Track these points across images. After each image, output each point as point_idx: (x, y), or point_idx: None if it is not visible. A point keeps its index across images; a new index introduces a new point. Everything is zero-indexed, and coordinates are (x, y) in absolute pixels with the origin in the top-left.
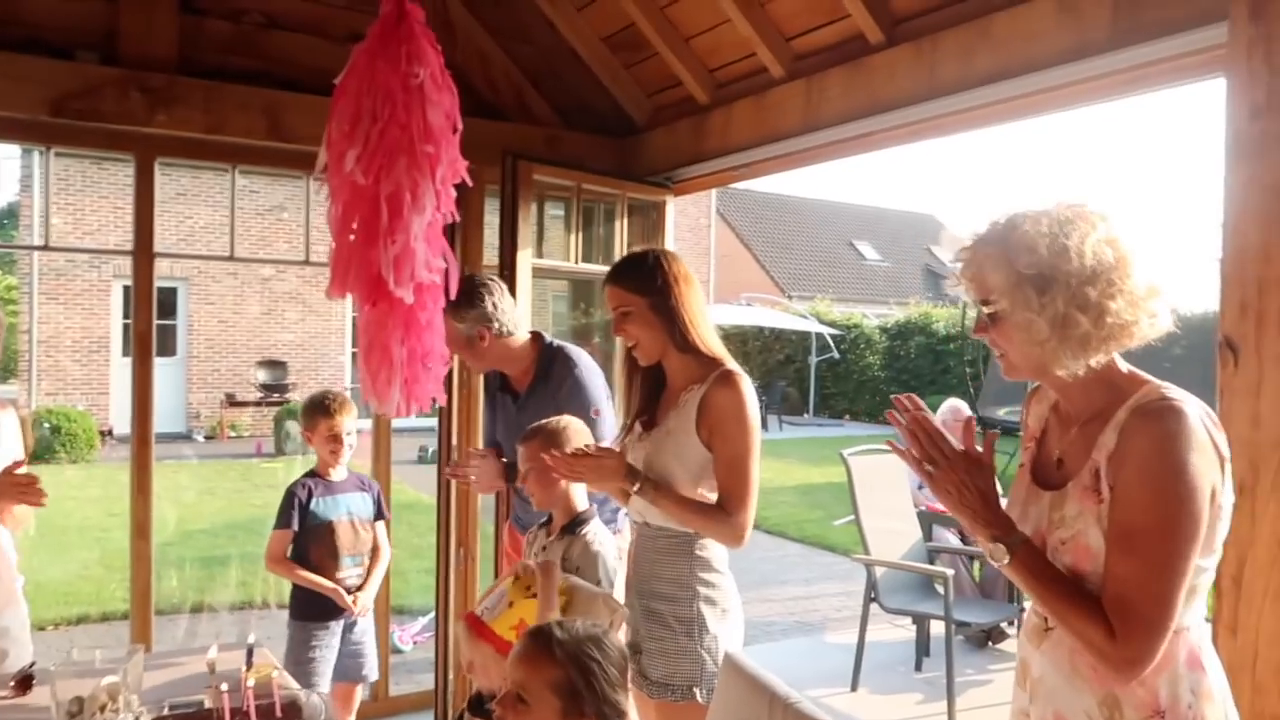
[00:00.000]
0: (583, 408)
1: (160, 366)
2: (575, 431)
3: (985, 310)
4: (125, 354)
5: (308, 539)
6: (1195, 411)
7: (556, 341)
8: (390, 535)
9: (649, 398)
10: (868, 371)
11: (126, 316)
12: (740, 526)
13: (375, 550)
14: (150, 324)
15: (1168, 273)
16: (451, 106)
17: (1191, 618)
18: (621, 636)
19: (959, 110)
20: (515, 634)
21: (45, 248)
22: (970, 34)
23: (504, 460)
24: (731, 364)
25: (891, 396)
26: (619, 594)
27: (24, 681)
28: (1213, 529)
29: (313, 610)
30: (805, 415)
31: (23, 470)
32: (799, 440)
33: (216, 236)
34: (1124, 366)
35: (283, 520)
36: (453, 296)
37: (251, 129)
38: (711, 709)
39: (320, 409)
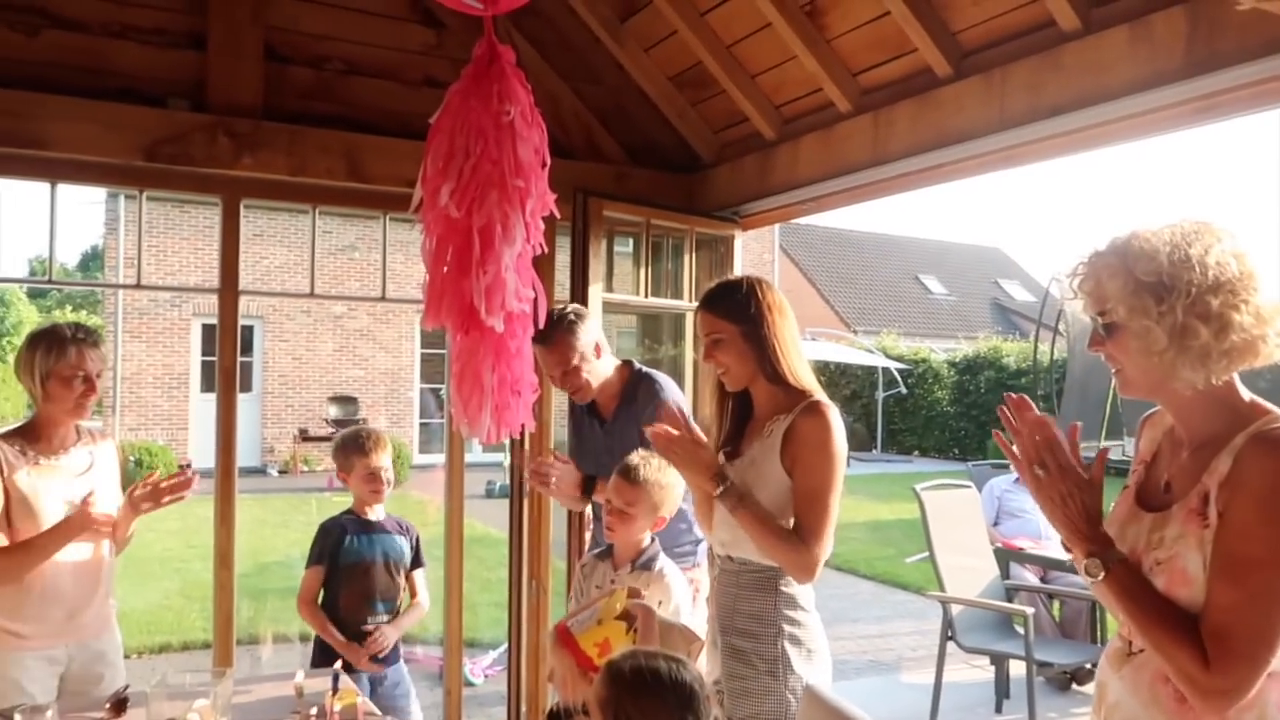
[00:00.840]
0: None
1: (238, 402)
2: (673, 492)
3: (1102, 321)
4: (203, 390)
5: (340, 579)
6: None
7: (644, 368)
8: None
9: (735, 427)
10: (936, 407)
11: (205, 353)
12: (813, 559)
13: (415, 597)
14: (234, 358)
15: None
16: (540, 142)
17: None
18: (703, 668)
19: (1029, 141)
20: (597, 651)
21: (138, 286)
22: (1040, 65)
23: (585, 475)
24: (820, 395)
25: (1005, 395)
26: (691, 622)
27: (119, 704)
28: None
29: (332, 661)
30: (873, 451)
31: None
32: (867, 476)
33: (291, 275)
34: (1246, 394)
35: (314, 557)
36: (540, 325)
37: (331, 170)
38: None
39: (356, 448)
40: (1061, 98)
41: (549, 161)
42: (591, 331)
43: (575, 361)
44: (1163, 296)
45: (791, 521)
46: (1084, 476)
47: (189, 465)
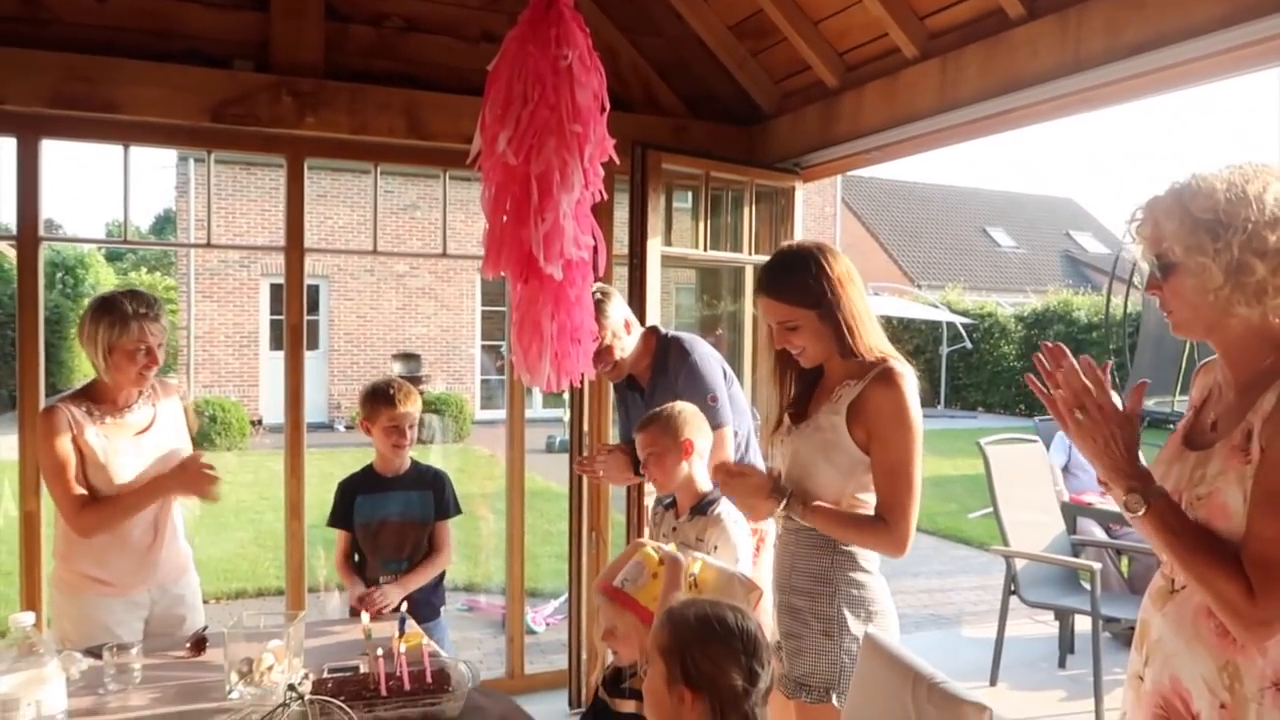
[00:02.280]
0: (699, 394)
1: (306, 360)
2: (689, 417)
3: (1158, 262)
4: (273, 348)
5: (357, 540)
6: None
7: (671, 332)
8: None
9: (802, 389)
10: (1002, 362)
11: (274, 312)
12: (903, 537)
13: (434, 549)
14: (301, 316)
15: None
16: (599, 86)
17: None
18: (767, 620)
19: (1106, 83)
20: (656, 604)
21: (208, 245)
22: (1119, 2)
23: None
24: (895, 359)
25: (1041, 343)
26: (753, 573)
27: (199, 643)
28: None
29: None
30: (937, 406)
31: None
32: (931, 432)
33: (355, 234)
34: None
35: (331, 519)
36: (600, 274)
37: (392, 128)
38: (852, 688)
39: (382, 397)
40: (1141, 36)
41: (608, 106)
42: (620, 308)
43: (608, 340)
44: (1219, 233)
45: (860, 489)
46: (1120, 412)
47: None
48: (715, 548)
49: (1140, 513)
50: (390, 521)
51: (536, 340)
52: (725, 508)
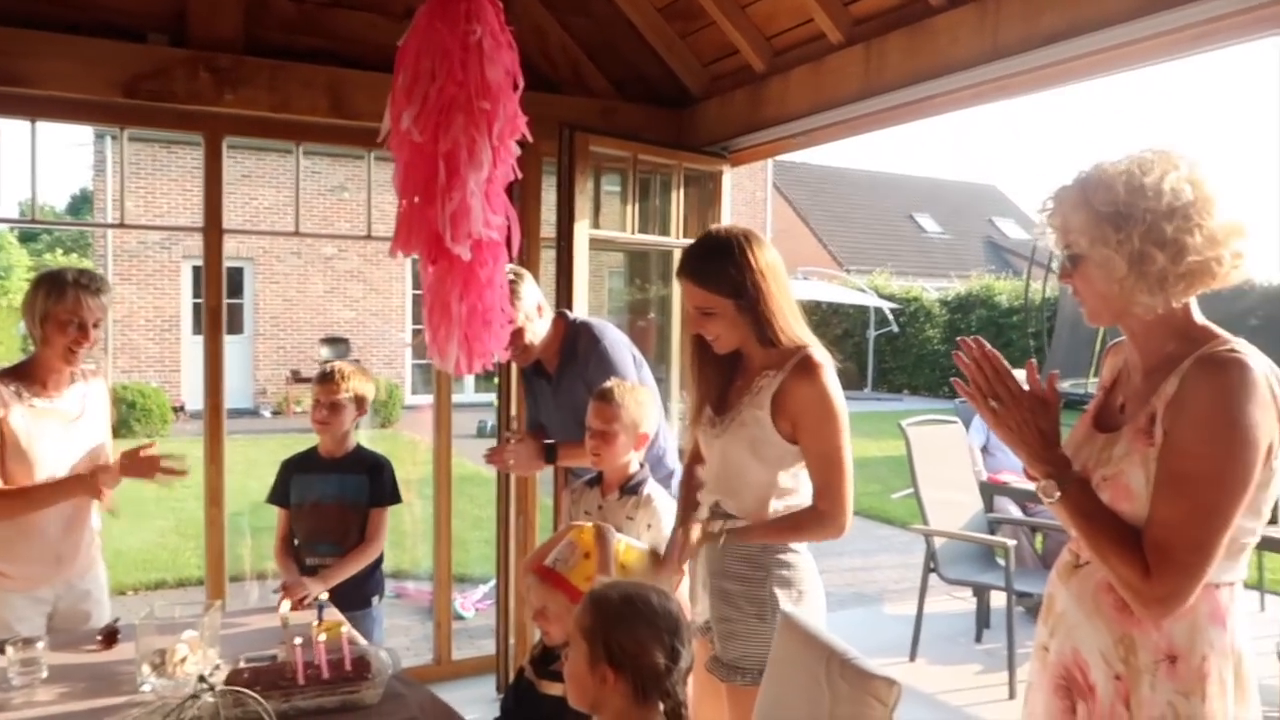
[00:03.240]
0: (608, 379)
1: (228, 344)
2: (651, 409)
3: (1067, 253)
4: (195, 332)
5: (292, 519)
6: (1261, 367)
7: (580, 318)
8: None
9: (722, 379)
10: (927, 345)
11: (196, 296)
12: (843, 521)
13: (364, 539)
14: (221, 298)
15: (1252, 215)
16: (511, 62)
17: (1226, 576)
18: (686, 601)
19: (1024, 70)
20: (587, 585)
21: (122, 225)
22: None
23: (546, 442)
24: (813, 347)
25: (959, 339)
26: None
27: (109, 636)
28: (1263, 489)
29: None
30: (864, 389)
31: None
32: (857, 415)
33: (279, 216)
34: (1199, 319)
35: (270, 496)
36: (515, 255)
37: (315, 106)
38: (769, 668)
39: (319, 376)
40: (1056, 25)
41: (521, 83)
42: (533, 292)
43: (520, 323)
44: (1120, 225)
45: (790, 476)
46: (1038, 401)
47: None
48: (648, 526)
49: (1056, 498)
50: (321, 503)
51: (445, 322)
52: (654, 488)
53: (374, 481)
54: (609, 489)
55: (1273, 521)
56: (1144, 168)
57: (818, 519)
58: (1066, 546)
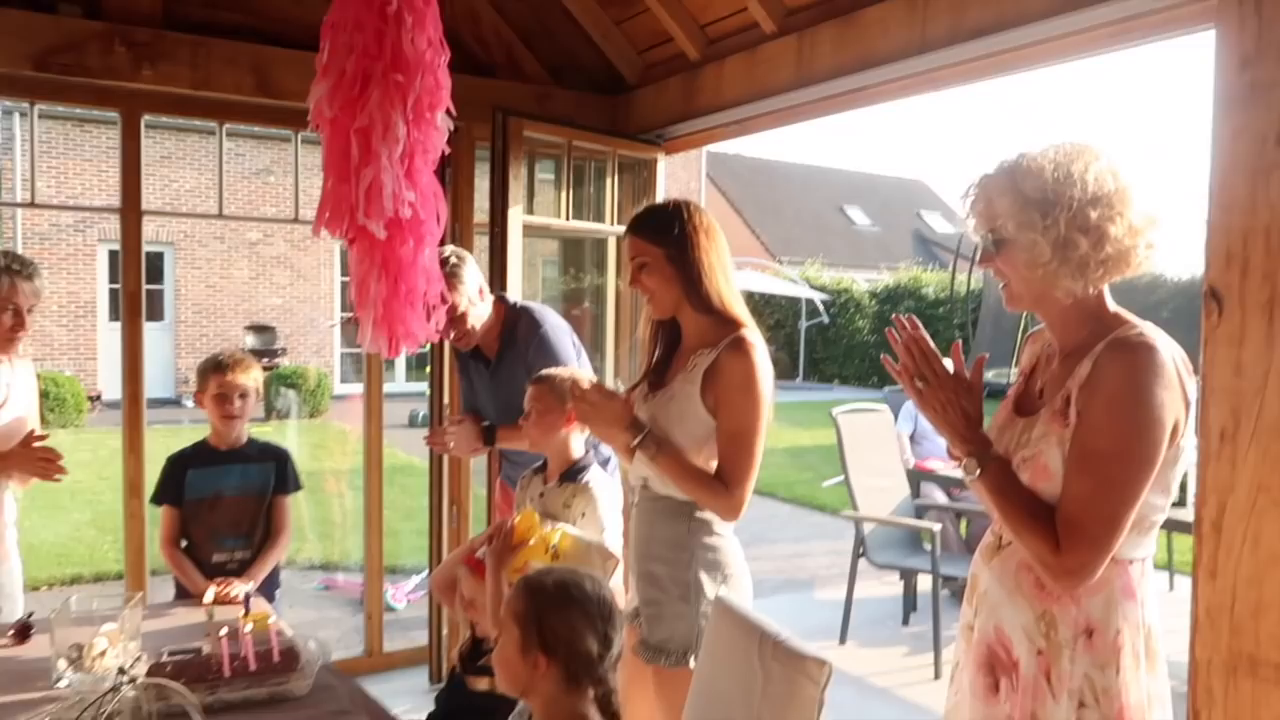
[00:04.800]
0: (550, 365)
1: (148, 331)
2: (583, 379)
3: (991, 237)
4: (112, 319)
5: (186, 516)
6: (1167, 349)
7: (520, 302)
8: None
9: (662, 358)
10: (857, 336)
11: (113, 281)
12: (737, 501)
13: (274, 530)
14: (139, 283)
15: (1165, 206)
16: (435, 32)
17: (1137, 552)
18: (619, 587)
19: (951, 64)
20: (518, 576)
21: (32, 205)
22: None
23: (484, 424)
24: (749, 328)
25: (893, 316)
26: (618, 543)
27: (22, 630)
28: (1169, 467)
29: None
30: (796, 379)
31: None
32: (789, 404)
33: (202, 199)
34: (1112, 306)
35: (157, 494)
36: (441, 231)
37: (239, 85)
38: (703, 650)
39: (211, 364)
40: (982, 20)
41: (447, 53)
42: (474, 275)
43: (463, 307)
44: (1047, 211)
45: (712, 461)
46: (963, 383)
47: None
48: (583, 514)
49: (976, 475)
50: (226, 495)
51: (364, 302)
52: (594, 476)
53: (280, 470)
54: (551, 476)
55: (1180, 504)
56: (1069, 157)
57: (718, 491)
58: (990, 528)
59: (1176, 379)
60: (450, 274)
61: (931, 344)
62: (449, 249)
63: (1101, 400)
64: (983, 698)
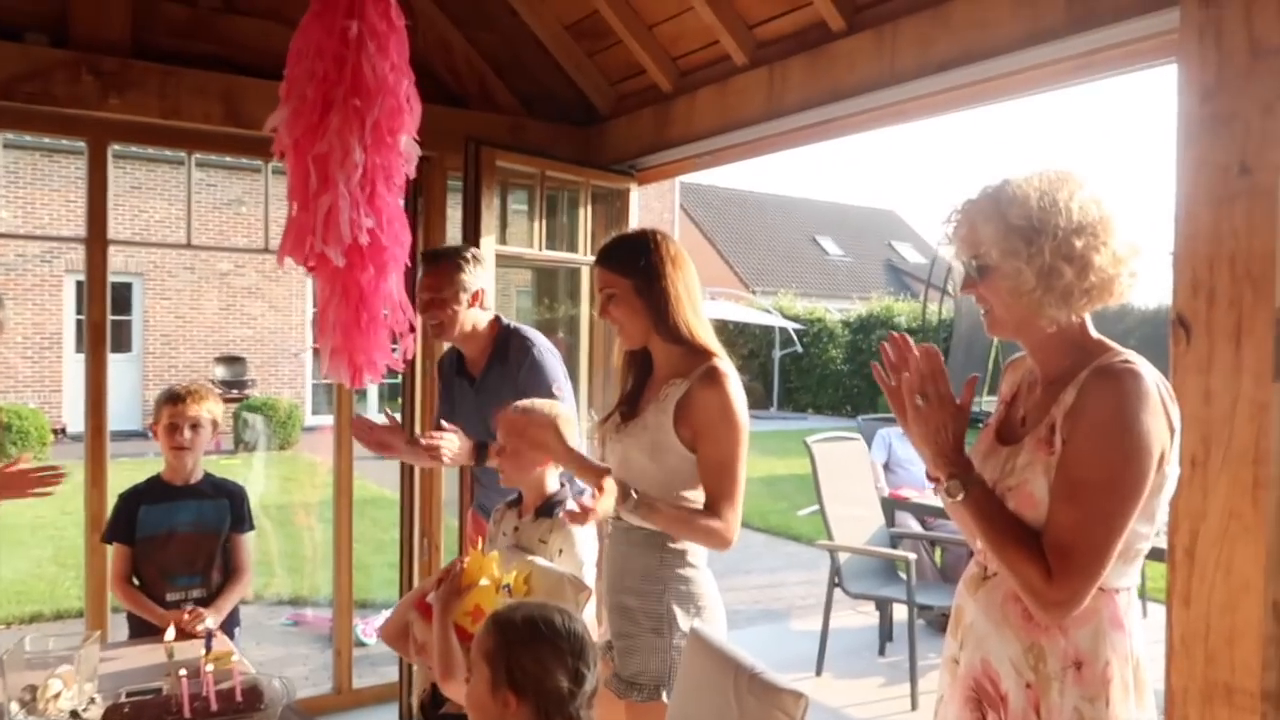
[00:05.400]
0: (542, 386)
1: (115, 363)
2: (562, 423)
3: (974, 264)
4: (78, 350)
5: (138, 554)
6: (1152, 377)
7: (513, 323)
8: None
9: (634, 388)
10: (830, 365)
11: (79, 312)
12: (730, 532)
13: (235, 570)
14: (104, 314)
15: (1147, 235)
16: (399, 53)
17: (1123, 581)
18: (591, 620)
19: (918, 96)
20: (470, 620)
21: None
22: (929, 20)
23: (477, 442)
24: (720, 358)
25: (890, 333)
26: (593, 576)
27: None
28: (1155, 495)
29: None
30: (770, 409)
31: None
32: (763, 433)
33: (172, 230)
34: (1094, 333)
35: (108, 532)
36: (403, 261)
37: (208, 114)
38: (678, 684)
39: (166, 395)
40: (949, 53)
41: (412, 76)
42: (478, 276)
43: (446, 293)
44: (1032, 239)
45: (686, 488)
46: (956, 405)
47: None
48: (560, 551)
49: (960, 498)
50: (180, 531)
51: (323, 332)
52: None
53: (235, 507)
54: (525, 510)
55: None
56: (1054, 184)
57: (710, 527)
58: (974, 559)
59: (1161, 406)
60: (453, 258)
61: (942, 361)
62: (473, 247)
63: (1088, 428)
64: None
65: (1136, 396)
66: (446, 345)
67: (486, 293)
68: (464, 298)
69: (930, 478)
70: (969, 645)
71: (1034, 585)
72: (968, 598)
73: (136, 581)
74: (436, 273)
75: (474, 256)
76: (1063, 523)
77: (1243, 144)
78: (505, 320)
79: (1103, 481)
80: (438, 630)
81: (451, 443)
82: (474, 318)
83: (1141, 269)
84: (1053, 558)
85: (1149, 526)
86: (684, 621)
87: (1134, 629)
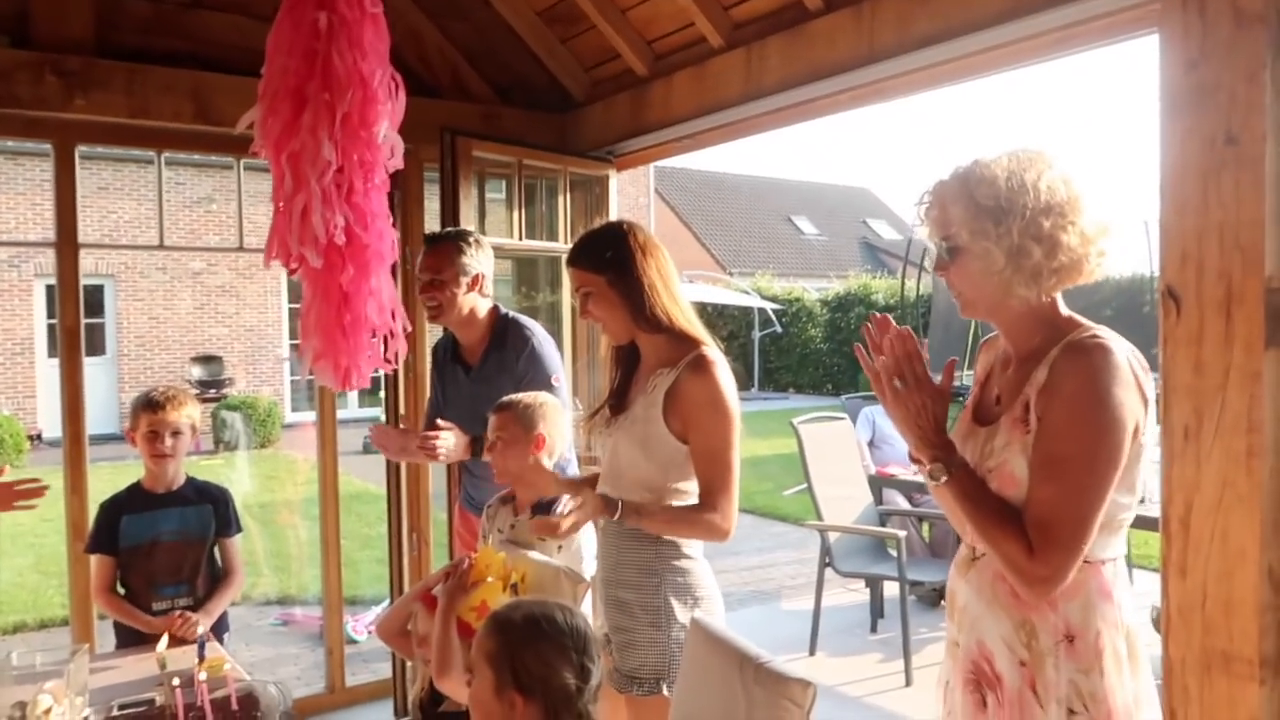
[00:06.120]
0: (541, 376)
1: (90, 366)
2: (548, 411)
3: (945, 245)
4: (51, 355)
5: (123, 564)
6: (1122, 350)
7: (510, 312)
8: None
9: (622, 381)
10: (810, 344)
11: (51, 316)
12: (726, 523)
13: (227, 572)
14: (77, 318)
15: (1117, 214)
16: (372, 41)
17: (1108, 552)
18: (588, 612)
19: (898, 74)
20: (475, 616)
21: None
22: None
23: (472, 436)
24: (707, 345)
25: (870, 314)
26: (591, 568)
27: None
28: (1133, 466)
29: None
30: (751, 390)
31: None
32: (746, 414)
33: (143, 230)
34: (1064, 310)
35: (91, 544)
36: (389, 259)
37: (178, 112)
38: (680, 675)
39: (143, 401)
40: (929, 29)
41: (390, 70)
42: (480, 260)
43: (445, 275)
44: (1000, 219)
45: (680, 479)
46: (936, 388)
47: (38, 436)
48: (559, 548)
49: (942, 480)
50: (164, 540)
51: (305, 334)
52: (566, 505)
53: (221, 511)
54: (521, 507)
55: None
56: (1023, 164)
57: (706, 521)
58: (963, 541)
59: (1133, 378)
60: (455, 240)
61: (917, 343)
62: (472, 231)
63: (1061, 404)
64: (971, 715)
65: (1107, 370)
66: (440, 331)
67: (487, 278)
68: (464, 280)
69: (913, 460)
70: (965, 627)
71: (1017, 563)
72: (959, 580)
73: (123, 591)
74: (436, 253)
75: (476, 240)
76: (1041, 499)
77: (1228, 113)
78: (504, 310)
79: (1078, 456)
80: (438, 624)
81: (448, 440)
82: (473, 302)
83: (1111, 248)
84: (1034, 534)
85: (1130, 497)
86: (682, 614)
87: (1123, 599)
